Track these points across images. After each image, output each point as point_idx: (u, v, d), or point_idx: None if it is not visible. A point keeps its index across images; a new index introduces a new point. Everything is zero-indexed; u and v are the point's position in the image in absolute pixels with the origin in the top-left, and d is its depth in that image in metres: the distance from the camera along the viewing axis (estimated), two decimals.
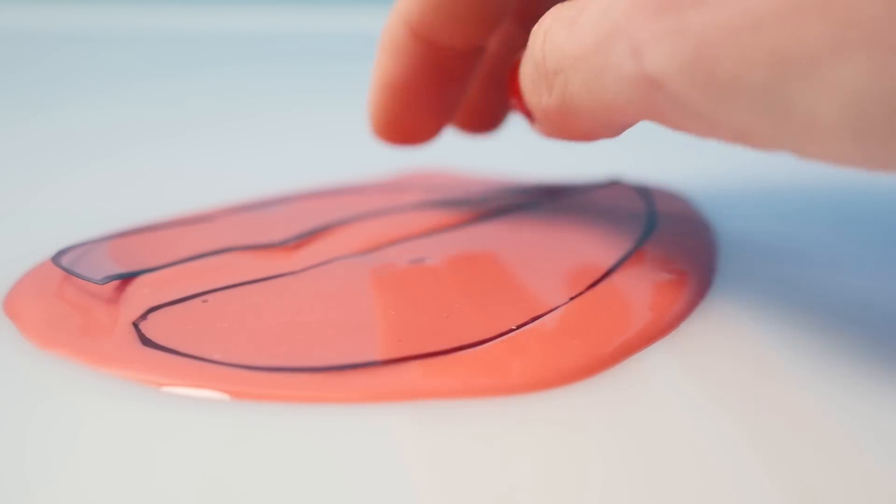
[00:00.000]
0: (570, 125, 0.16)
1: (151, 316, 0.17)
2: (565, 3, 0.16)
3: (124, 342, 0.16)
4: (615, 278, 0.18)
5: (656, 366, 0.15)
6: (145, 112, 0.36)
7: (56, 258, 0.19)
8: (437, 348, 0.15)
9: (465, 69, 0.20)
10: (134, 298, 0.17)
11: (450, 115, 0.21)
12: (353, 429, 0.13)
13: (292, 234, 0.21)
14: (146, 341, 0.16)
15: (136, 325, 0.16)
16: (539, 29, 0.16)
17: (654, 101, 0.13)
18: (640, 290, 0.18)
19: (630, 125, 0.16)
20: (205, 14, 0.60)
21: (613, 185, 0.24)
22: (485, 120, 0.23)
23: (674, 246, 0.20)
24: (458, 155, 0.27)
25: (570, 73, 0.15)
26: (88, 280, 0.18)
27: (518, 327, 0.16)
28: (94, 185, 0.26)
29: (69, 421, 0.14)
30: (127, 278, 0.18)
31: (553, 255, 0.19)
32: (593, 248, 0.20)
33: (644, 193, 0.23)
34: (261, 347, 0.15)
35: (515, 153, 0.28)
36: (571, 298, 0.17)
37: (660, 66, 0.12)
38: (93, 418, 0.14)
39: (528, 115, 0.18)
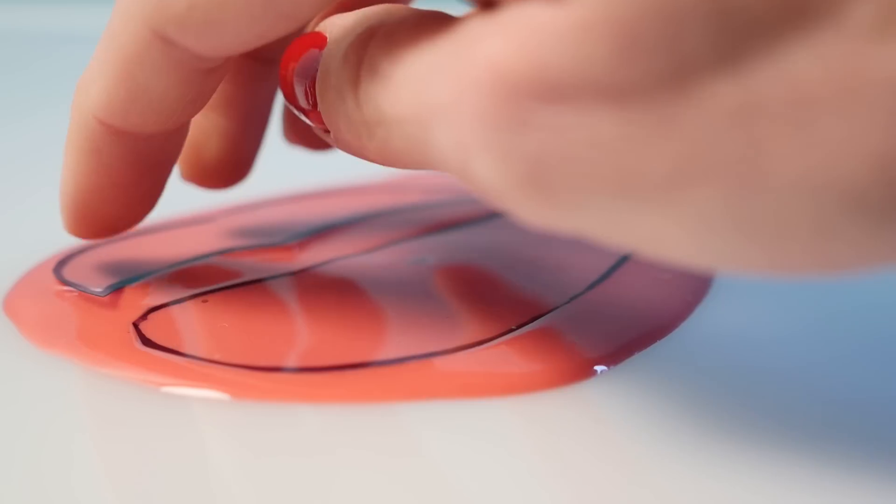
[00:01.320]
0: (394, 165, 0.14)
1: (151, 316, 0.17)
2: (362, 32, 0.14)
3: (124, 342, 0.16)
4: (615, 279, 0.18)
5: (656, 366, 0.15)
6: None
7: (57, 269, 0.18)
8: (436, 348, 0.15)
9: (174, 146, 0.17)
10: (134, 298, 0.17)
11: (159, 195, 0.18)
12: (354, 429, 0.13)
13: (292, 234, 0.21)
14: (146, 341, 0.16)
15: (136, 325, 0.16)
16: (344, 63, 0.14)
17: (484, 195, 0.12)
18: (639, 290, 0.18)
19: None
20: None
21: None
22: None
23: None
24: None
25: (391, 129, 0.13)
26: (90, 292, 0.17)
27: (518, 327, 0.16)
28: None
29: (69, 421, 0.14)
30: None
31: (553, 255, 0.19)
32: (593, 248, 0.20)
33: None
34: (261, 347, 0.15)
35: None
36: (571, 298, 0.17)
37: (490, 181, 0.11)
38: (93, 418, 0.14)
39: (325, 129, 0.15)
